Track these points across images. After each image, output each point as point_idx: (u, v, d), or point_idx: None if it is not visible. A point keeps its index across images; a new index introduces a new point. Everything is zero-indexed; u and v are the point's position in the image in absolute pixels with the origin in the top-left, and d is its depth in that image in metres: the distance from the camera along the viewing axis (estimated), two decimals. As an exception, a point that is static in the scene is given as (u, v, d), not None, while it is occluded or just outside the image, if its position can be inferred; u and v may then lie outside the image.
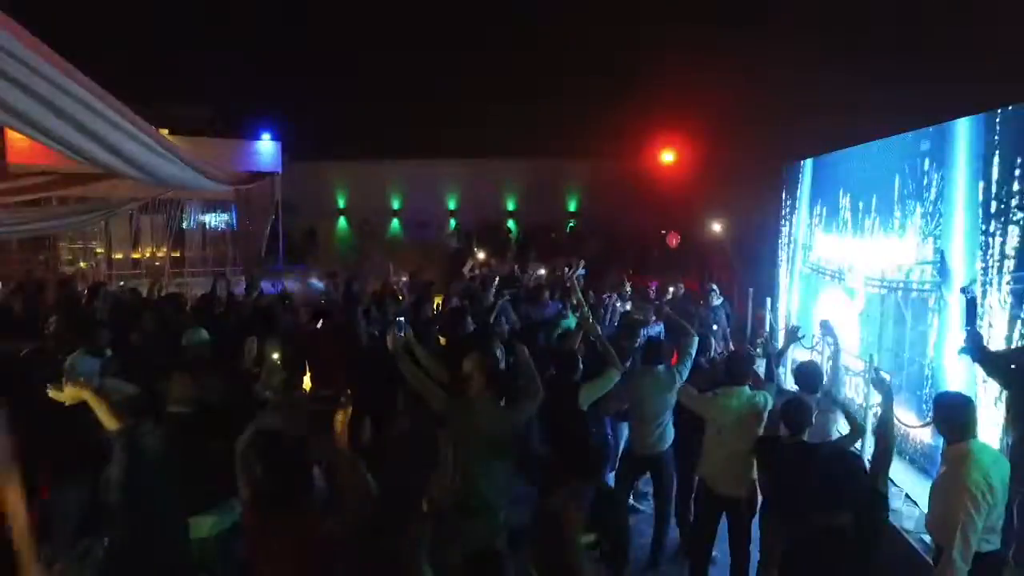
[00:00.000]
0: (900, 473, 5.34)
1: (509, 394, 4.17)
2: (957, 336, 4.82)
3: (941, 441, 3.61)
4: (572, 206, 20.16)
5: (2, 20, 2.47)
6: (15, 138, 15.40)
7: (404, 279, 9.28)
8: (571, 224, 19.95)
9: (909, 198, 5.81)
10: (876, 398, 4.75)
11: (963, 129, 5.07)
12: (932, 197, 5.44)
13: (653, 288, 9.02)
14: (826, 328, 5.45)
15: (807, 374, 4.62)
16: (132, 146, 3.72)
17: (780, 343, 6.23)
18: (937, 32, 11.89)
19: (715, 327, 8.03)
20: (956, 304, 4.94)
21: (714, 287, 8.58)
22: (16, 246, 11.14)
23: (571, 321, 6.50)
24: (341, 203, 20.43)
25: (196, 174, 5.11)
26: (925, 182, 5.56)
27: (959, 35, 11.31)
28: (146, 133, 3.69)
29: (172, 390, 3.45)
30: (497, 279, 8.17)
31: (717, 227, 13.77)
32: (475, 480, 3.83)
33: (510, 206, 20.25)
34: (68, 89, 2.94)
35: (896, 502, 4.92)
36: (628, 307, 7.83)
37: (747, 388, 4.50)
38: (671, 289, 8.67)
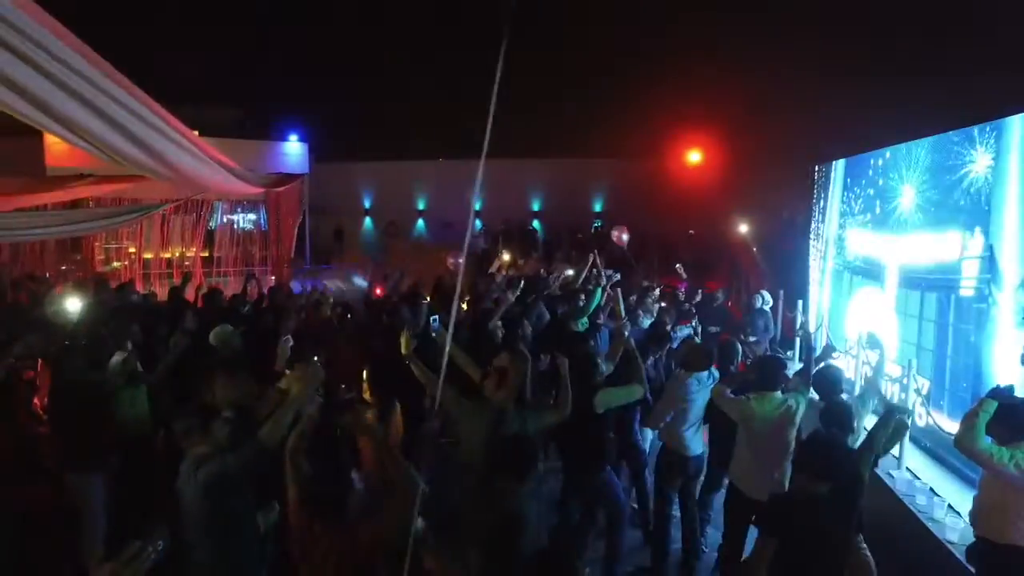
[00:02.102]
0: (942, 483, 5.21)
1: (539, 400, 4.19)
2: (1010, 338, 4.71)
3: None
4: (598, 206, 20.07)
5: (49, 22, 2.51)
6: (53, 141, 15.77)
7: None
8: (597, 224, 19.87)
9: (954, 195, 5.65)
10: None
11: (1017, 125, 4.94)
12: (981, 193, 5.28)
13: (683, 290, 8.94)
14: (873, 341, 5.33)
15: (826, 380, 4.48)
16: (171, 149, 3.77)
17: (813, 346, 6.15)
18: (971, 30, 11.62)
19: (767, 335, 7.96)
20: (1006, 303, 4.81)
21: (762, 292, 8.47)
22: (54, 245, 11.40)
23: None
24: (367, 204, 20.56)
25: (230, 176, 5.15)
26: (972, 178, 5.40)
27: (994, 33, 11.04)
28: (184, 136, 3.73)
29: (216, 393, 3.46)
30: (523, 281, 8.16)
31: (744, 228, 13.61)
32: (483, 481, 3.91)
33: (535, 207, 20.22)
34: (109, 91, 2.97)
35: (938, 512, 4.80)
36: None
37: (779, 393, 4.46)
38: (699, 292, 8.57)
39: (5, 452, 4.01)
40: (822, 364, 5.02)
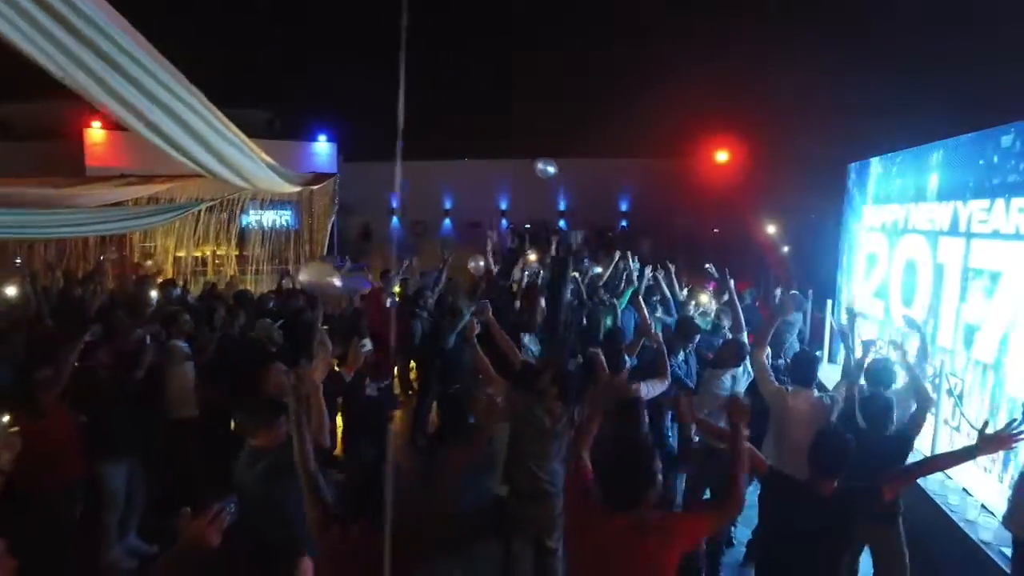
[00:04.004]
0: (975, 483, 5.19)
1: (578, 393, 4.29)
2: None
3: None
4: (624, 206, 20.10)
5: (125, 25, 2.69)
6: (93, 143, 16.23)
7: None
8: (623, 224, 19.91)
9: (998, 189, 5.55)
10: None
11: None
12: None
13: (711, 289, 8.95)
14: (910, 323, 5.32)
15: (880, 372, 4.47)
16: (221, 143, 3.92)
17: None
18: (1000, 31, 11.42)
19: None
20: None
21: (794, 292, 8.42)
22: (93, 242, 11.72)
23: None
24: (394, 203, 20.76)
25: (272, 174, 5.32)
26: (1018, 173, 5.30)
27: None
28: (229, 129, 3.88)
29: (265, 383, 3.62)
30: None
31: (772, 228, 13.55)
32: (531, 468, 4.09)
33: (561, 206, 20.31)
34: (166, 83, 3.13)
35: (971, 512, 4.80)
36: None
37: (814, 391, 4.51)
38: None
39: (60, 436, 4.20)
40: (864, 358, 4.94)
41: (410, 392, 8.34)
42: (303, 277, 5.59)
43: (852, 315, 5.49)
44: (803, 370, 4.57)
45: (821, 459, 3.14)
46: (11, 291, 6.47)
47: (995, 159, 5.61)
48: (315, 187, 10.09)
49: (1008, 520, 3.65)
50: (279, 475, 3.10)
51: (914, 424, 4.05)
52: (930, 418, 5.68)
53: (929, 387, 4.34)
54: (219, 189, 10.39)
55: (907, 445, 4.04)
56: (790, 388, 4.47)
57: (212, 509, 1.99)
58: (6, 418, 3.09)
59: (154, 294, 6.99)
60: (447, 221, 20.68)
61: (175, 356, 4.87)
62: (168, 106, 3.16)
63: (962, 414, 5.76)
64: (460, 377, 6.02)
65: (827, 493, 3.09)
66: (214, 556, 2.06)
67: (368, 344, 4.09)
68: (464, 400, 5.85)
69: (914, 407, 4.21)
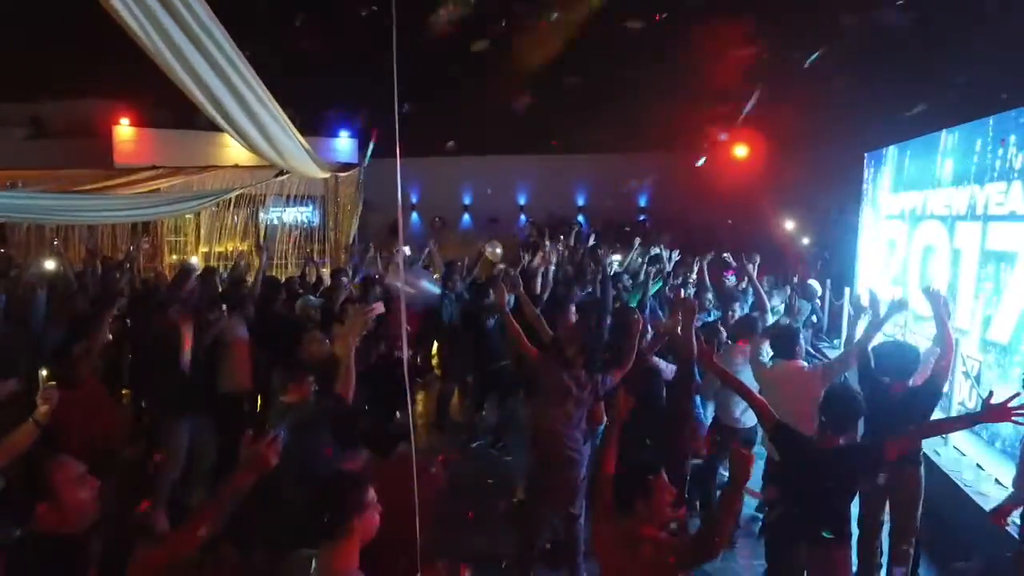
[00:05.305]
0: (988, 458, 5.28)
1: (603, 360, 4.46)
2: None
3: None
4: (642, 201, 20.22)
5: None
6: (121, 140, 16.62)
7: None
8: (641, 219, 20.02)
9: (1016, 172, 5.61)
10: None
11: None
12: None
13: (729, 277, 9.05)
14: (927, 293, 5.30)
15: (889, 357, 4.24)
16: (267, 119, 4.14)
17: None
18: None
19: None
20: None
21: (810, 282, 8.47)
22: (122, 230, 12.04)
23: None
24: (414, 199, 21.03)
25: (305, 154, 5.58)
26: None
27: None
28: (275, 106, 4.09)
29: (304, 348, 3.91)
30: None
31: (790, 224, 13.61)
32: (556, 436, 4.25)
33: (580, 201, 20.47)
34: (230, 56, 3.36)
35: (985, 486, 4.90)
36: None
37: (799, 362, 4.57)
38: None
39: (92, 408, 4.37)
40: (890, 317, 4.70)
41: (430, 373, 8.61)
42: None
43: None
44: (781, 344, 4.62)
45: (828, 416, 3.26)
46: (49, 265, 6.80)
47: (1012, 140, 5.68)
48: (341, 175, 10.45)
49: (1016, 482, 3.75)
50: (303, 427, 3.31)
51: (940, 371, 4.00)
52: (945, 400, 5.80)
53: (951, 335, 4.22)
54: (248, 179, 10.73)
55: (934, 395, 4.01)
56: (775, 363, 4.54)
57: (269, 435, 2.19)
58: (44, 372, 3.31)
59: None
60: (466, 216, 20.91)
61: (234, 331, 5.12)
62: (231, 81, 3.37)
63: (979, 395, 5.85)
64: (501, 354, 6.26)
65: (830, 448, 3.20)
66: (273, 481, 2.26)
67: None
68: (508, 374, 6.07)
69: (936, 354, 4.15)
